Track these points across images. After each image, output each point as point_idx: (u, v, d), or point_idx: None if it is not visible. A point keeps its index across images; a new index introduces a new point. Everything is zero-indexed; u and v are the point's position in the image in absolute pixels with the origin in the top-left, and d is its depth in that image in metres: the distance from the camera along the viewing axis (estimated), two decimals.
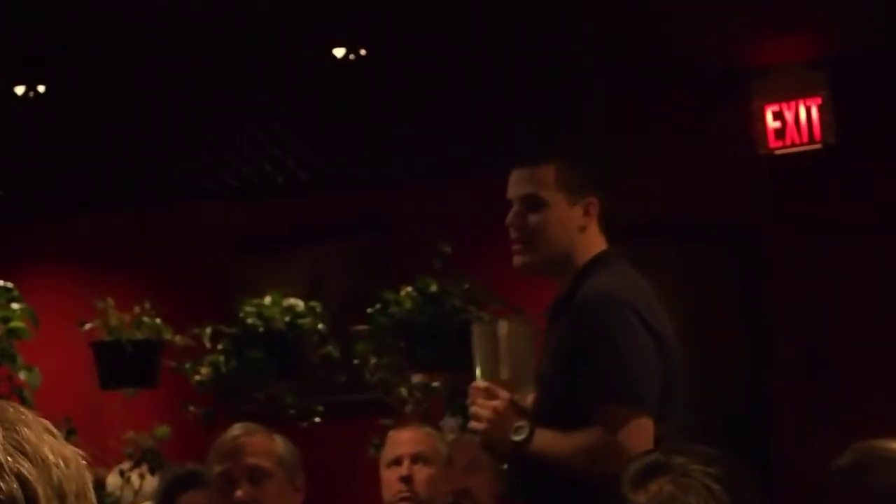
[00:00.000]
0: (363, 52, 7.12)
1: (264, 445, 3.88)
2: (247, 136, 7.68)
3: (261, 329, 4.73)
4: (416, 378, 4.97)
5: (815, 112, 7.07)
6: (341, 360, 5.00)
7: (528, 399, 3.63)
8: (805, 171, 7.12)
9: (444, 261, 4.29)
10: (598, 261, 3.68)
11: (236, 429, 3.95)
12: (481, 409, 3.59)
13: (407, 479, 4.41)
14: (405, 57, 7.20)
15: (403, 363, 4.81)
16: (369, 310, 4.92)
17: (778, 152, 7.09)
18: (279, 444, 3.89)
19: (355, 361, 4.97)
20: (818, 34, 6.89)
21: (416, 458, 4.40)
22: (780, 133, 7.09)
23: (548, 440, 3.52)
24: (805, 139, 7.07)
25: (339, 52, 7.14)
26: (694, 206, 7.18)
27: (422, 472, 4.40)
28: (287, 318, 4.76)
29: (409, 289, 4.89)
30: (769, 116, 7.09)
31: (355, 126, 7.49)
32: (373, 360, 4.91)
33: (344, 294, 7.15)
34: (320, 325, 4.83)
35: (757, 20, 6.61)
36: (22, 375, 4.09)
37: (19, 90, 7.38)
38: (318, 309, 4.88)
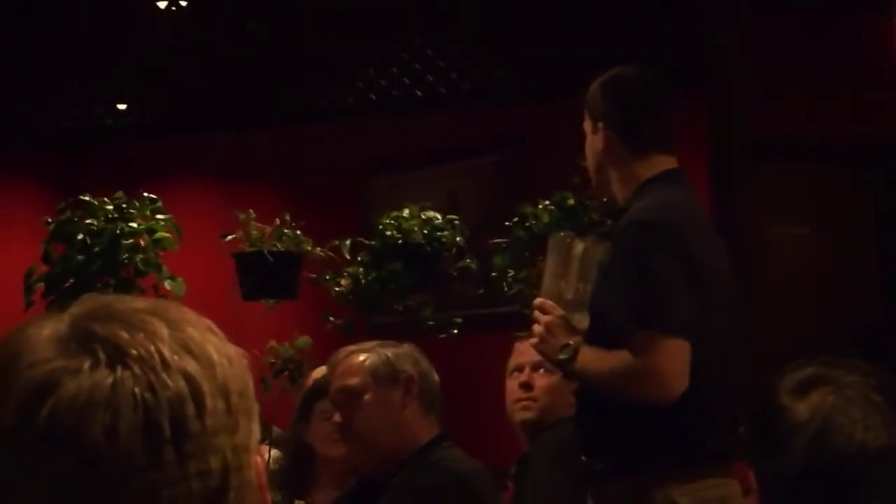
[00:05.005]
0: None
1: (347, 364, 3.91)
2: (387, 52, 7.69)
3: (399, 241, 4.75)
4: None
5: None
6: (479, 274, 5.01)
7: (586, 322, 3.67)
8: None
9: (582, 175, 4.27)
10: (648, 184, 3.70)
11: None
12: (535, 325, 3.66)
13: (526, 386, 4.45)
14: None
15: (541, 277, 4.80)
16: (507, 223, 4.92)
17: None
18: (370, 357, 3.90)
19: (493, 275, 4.99)
20: None
21: (536, 366, 4.43)
22: None
23: (588, 360, 3.55)
24: None
25: None
26: (835, 125, 7.06)
27: (542, 380, 4.43)
28: (425, 231, 4.78)
29: (547, 202, 4.89)
30: None
31: (493, 43, 7.47)
32: (510, 274, 4.92)
33: (481, 210, 7.17)
34: (458, 238, 4.83)
35: None
36: (167, 285, 4.16)
37: (162, 4, 7.46)
38: (457, 222, 4.88)
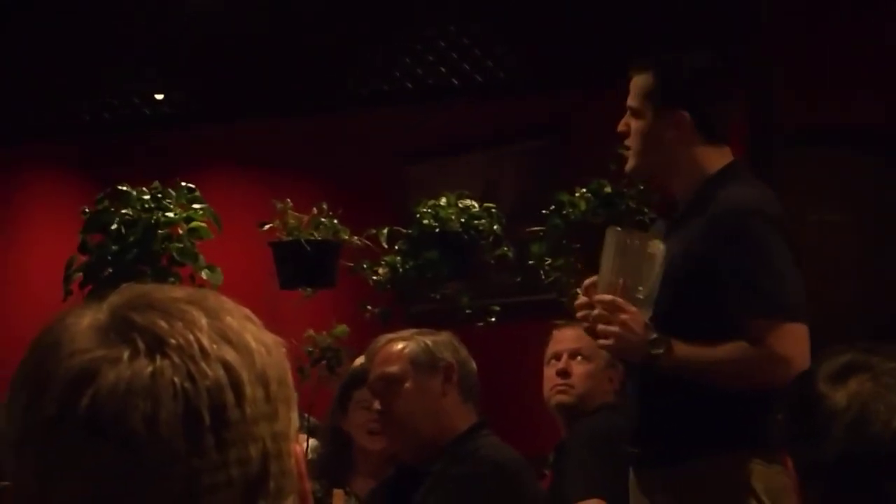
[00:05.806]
0: None
1: (387, 352, 3.91)
2: (423, 40, 7.68)
3: (436, 230, 4.75)
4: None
5: None
6: (516, 262, 5.01)
7: (645, 318, 3.61)
8: None
9: (619, 163, 4.25)
10: (722, 173, 3.66)
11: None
12: (609, 324, 3.56)
13: (563, 373, 4.46)
14: None
15: (578, 264, 4.80)
16: (544, 211, 4.92)
17: None
18: (410, 345, 3.90)
19: (530, 263, 4.99)
20: None
21: (574, 354, 4.44)
22: None
23: (692, 351, 3.50)
24: None
25: None
26: (870, 112, 7.01)
27: (580, 367, 4.44)
28: (463, 219, 4.78)
29: (584, 190, 4.88)
30: None
31: (531, 31, 7.45)
32: (547, 262, 4.92)
33: (518, 198, 7.15)
34: (496, 227, 4.83)
35: None
36: (204, 275, 4.17)
37: None
38: (494, 210, 4.88)
